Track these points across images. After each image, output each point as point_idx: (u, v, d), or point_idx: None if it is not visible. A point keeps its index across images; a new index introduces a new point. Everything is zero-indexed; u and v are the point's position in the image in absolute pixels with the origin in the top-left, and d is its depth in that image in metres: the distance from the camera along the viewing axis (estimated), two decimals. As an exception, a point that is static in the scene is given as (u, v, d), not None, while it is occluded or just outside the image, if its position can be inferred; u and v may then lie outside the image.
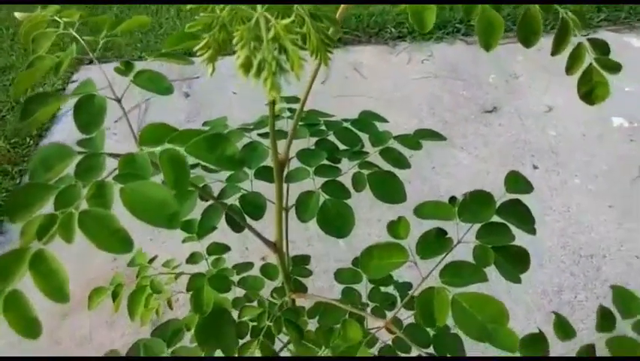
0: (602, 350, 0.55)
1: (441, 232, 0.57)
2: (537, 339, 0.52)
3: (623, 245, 1.91)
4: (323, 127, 0.90)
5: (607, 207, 2.01)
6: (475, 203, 0.57)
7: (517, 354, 0.50)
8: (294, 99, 0.88)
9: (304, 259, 0.87)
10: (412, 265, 0.55)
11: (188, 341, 0.71)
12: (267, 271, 0.81)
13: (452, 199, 0.58)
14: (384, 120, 0.91)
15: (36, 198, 0.39)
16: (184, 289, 0.70)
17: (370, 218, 1.84)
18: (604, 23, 2.80)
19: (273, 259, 0.72)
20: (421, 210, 0.58)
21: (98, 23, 0.59)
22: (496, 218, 0.56)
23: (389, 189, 0.76)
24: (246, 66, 0.32)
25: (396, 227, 0.60)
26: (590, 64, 0.45)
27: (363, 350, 0.51)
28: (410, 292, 0.55)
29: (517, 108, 2.44)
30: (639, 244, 1.90)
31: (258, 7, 0.32)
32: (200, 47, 0.35)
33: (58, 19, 0.59)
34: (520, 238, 0.61)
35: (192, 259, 0.72)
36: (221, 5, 0.34)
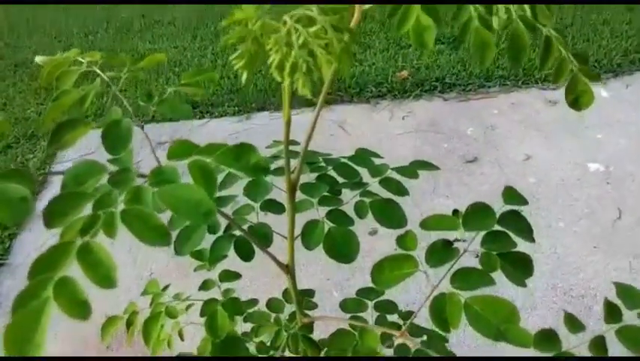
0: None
1: (447, 243, 0.60)
2: (549, 336, 0.54)
3: (610, 285, 1.94)
4: (322, 163, 0.95)
5: (592, 248, 2.06)
6: (476, 214, 0.60)
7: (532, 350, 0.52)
8: (293, 142, 0.93)
9: (309, 293, 0.88)
10: (418, 276, 0.58)
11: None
12: (273, 305, 0.82)
13: (455, 212, 0.62)
14: (379, 156, 0.96)
15: (73, 205, 0.42)
16: (195, 320, 0.71)
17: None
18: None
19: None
20: (427, 224, 0.61)
21: (119, 62, 0.63)
22: (497, 227, 0.60)
23: (391, 215, 0.79)
24: (280, 68, 0.37)
25: (404, 240, 0.63)
26: (574, 74, 0.50)
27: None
28: (421, 305, 0.58)
29: (497, 158, 2.53)
30: (627, 283, 1.93)
31: (287, 18, 0.37)
32: (236, 57, 0.39)
33: (81, 60, 0.63)
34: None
35: (205, 286, 0.73)
36: (254, 20, 0.39)
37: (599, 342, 0.53)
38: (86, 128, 0.52)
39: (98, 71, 0.61)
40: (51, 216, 0.41)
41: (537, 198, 2.30)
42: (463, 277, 0.56)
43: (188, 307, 0.74)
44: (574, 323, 0.58)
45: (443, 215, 0.62)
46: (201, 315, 0.64)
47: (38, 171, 2.74)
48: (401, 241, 0.62)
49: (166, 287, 0.77)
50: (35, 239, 2.36)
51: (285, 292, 0.84)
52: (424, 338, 0.93)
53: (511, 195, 0.64)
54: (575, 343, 0.62)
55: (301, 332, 0.62)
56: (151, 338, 0.69)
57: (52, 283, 0.34)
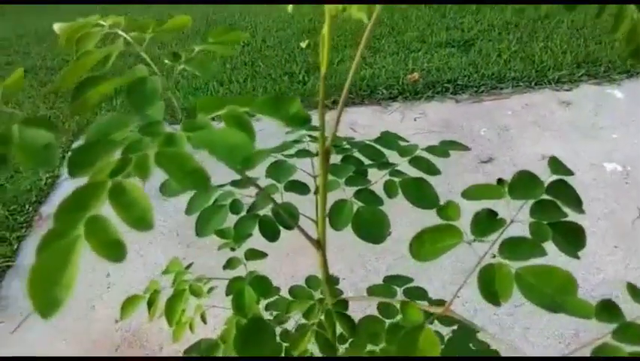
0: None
1: (492, 213, 0.56)
2: (610, 306, 0.50)
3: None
4: (347, 146, 0.91)
5: (612, 247, 2.01)
6: (523, 182, 0.56)
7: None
8: (314, 128, 0.90)
9: (333, 280, 0.84)
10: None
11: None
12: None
13: (499, 181, 0.58)
14: (405, 140, 0.93)
15: (100, 152, 0.38)
16: (217, 303, 0.67)
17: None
18: (585, 78, 2.94)
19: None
20: (470, 193, 0.57)
21: (142, 26, 0.60)
22: (545, 197, 0.56)
23: (422, 194, 0.76)
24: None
25: (445, 210, 0.59)
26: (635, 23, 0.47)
27: (428, 333, 0.48)
28: (468, 275, 0.54)
29: (512, 158, 2.49)
30: (650, 283, 1.88)
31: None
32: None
33: (103, 23, 0.60)
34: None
35: (230, 265, 0.69)
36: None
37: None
38: (110, 84, 0.49)
39: (122, 33, 0.58)
40: (76, 165, 0.38)
41: (554, 199, 2.25)
42: (513, 248, 0.52)
43: (210, 290, 0.71)
44: (637, 292, 0.54)
45: (487, 184, 0.58)
46: (227, 294, 0.60)
47: (47, 174, 2.72)
48: (442, 211, 0.59)
49: (189, 266, 0.74)
50: (44, 241, 2.34)
51: (308, 279, 0.79)
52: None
53: (556, 165, 0.60)
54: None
55: (335, 309, 0.58)
56: (174, 317, 0.65)
57: (83, 221, 0.30)
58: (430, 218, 0.64)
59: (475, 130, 2.68)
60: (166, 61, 0.57)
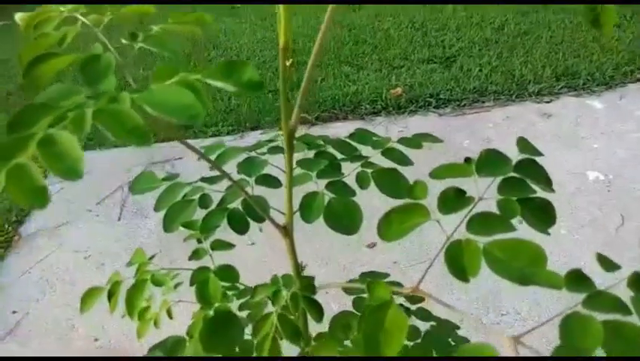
0: None
1: (459, 191, 0.55)
2: (580, 276, 0.49)
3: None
4: (320, 142, 0.91)
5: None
6: (490, 160, 0.56)
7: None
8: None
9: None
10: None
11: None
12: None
13: (467, 159, 0.57)
14: (377, 136, 0.92)
15: (41, 115, 0.37)
16: (185, 298, 0.65)
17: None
18: (564, 90, 2.98)
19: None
20: (437, 173, 0.56)
21: (100, 9, 0.59)
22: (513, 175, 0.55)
23: (394, 185, 0.75)
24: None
25: (413, 190, 0.58)
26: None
27: (394, 310, 0.47)
28: (437, 253, 0.52)
29: (495, 169, 2.50)
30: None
31: None
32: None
33: (62, 9, 0.59)
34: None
35: (196, 255, 0.67)
36: None
37: (636, 279, 0.48)
38: (65, 60, 0.48)
39: (80, 16, 0.57)
40: (15, 124, 0.36)
41: (538, 208, 2.25)
42: (481, 223, 0.51)
43: (177, 285, 0.68)
44: (607, 263, 0.53)
45: (455, 163, 0.57)
46: (191, 284, 0.58)
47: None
48: (410, 191, 0.57)
49: (152, 257, 0.71)
50: (21, 263, 2.29)
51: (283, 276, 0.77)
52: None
53: (524, 144, 0.59)
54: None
55: (302, 292, 0.56)
56: (135, 309, 0.63)
57: (4, 171, 0.28)
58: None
59: (458, 142, 2.69)
60: (123, 40, 0.56)
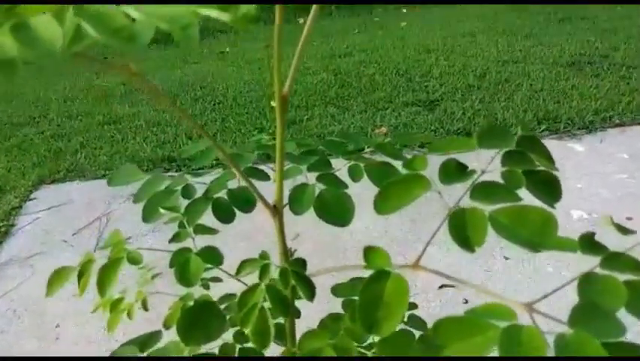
0: None
1: (460, 165, 0.52)
2: (593, 240, 0.46)
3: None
4: (311, 141, 0.89)
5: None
6: (492, 133, 0.54)
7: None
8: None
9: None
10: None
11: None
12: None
13: (467, 135, 0.55)
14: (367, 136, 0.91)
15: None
16: (162, 289, 0.60)
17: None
18: (546, 133, 3.03)
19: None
20: (435, 146, 0.54)
21: None
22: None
23: (387, 177, 0.72)
24: None
25: (412, 163, 0.55)
26: None
27: (394, 280, 0.43)
28: (440, 224, 0.49)
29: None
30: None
31: None
32: None
33: None
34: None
35: (178, 237, 0.62)
36: None
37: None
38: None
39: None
40: None
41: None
42: (485, 192, 0.48)
43: (154, 276, 0.63)
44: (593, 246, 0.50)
45: (454, 137, 0.55)
46: (171, 265, 0.53)
47: (2, 222, 2.58)
48: (409, 164, 0.55)
49: (129, 238, 0.66)
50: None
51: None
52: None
53: (525, 125, 0.58)
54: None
55: (292, 267, 0.52)
56: (106, 289, 0.57)
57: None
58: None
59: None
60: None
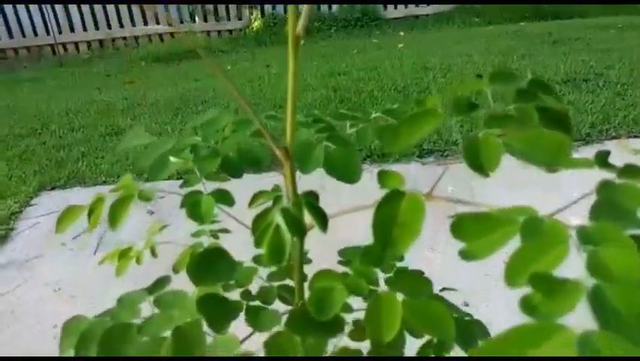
0: None
1: (471, 101, 0.54)
2: (608, 160, 0.47)
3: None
4: (318, 113, 0.90)
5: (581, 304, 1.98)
6: (502, 75, 0.55)
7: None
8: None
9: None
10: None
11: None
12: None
13: (478, 76, 0.57)
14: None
15: None
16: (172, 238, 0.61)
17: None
18: (544, 144, 3.06)
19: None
20: (449, 89, 0.55)
21: None
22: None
23: (397, 138, 0.74)
24: None
25: (424, 101, 0.57)
26: None
27: (409, 200, 0.44)
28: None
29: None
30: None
31: None
32: None
33: None
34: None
35: (188, 183, 0.63)
36: None
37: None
38: None
39: None
40: None
41: (524, 250, 2.24)
42: (499, 121, 0.49)
43: (162, 227, 0.64)
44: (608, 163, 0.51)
45: (466, 80, 0.56)
46: (182, 206, 0.54)
47: (1, 226, 2.58)
48: (420, 103, 0.56)
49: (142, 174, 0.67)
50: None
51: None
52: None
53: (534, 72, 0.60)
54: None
55: (306, 199, 0.53)
56: (118, 222, 0.58)
57: None
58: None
59: (442, 188, 2.71)
60: None
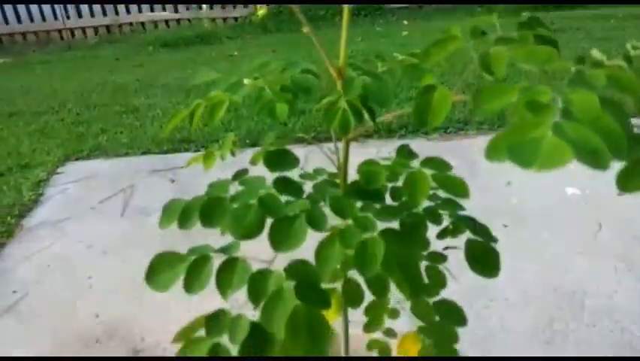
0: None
1: (483, 30, 0.70)
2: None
3: (599, 284, 2.00)
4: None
5: (577, 253, 2.15)
6: (506, 14, 0.72)
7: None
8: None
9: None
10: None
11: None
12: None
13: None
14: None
15: None
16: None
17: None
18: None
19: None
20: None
21: None
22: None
23: (418, 72, 0.90)
24: None
25: (448, 29, 0.72)
26: None
27: (440, 91, 0.61)
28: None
29: (481, 185, 2.68)
30: (612, 283, 2.00)
31: None
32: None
33: None
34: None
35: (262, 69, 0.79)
36: None
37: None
38: None
39: None
40: None
41: (520, 215, 2.41)
42: (505, 41, 0.65)
43: (235, 142, 0.82)
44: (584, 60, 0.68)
45: (473, 14, 0.73)
46: (258, 111, 0.71)
47: (31, 192, 2.74)
48: (446, 31, 0.72)
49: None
50: (23, 250, 2.32)
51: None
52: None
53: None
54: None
55: (359, 98, 0.70)
56: (215, 117, 0.74)
57: None
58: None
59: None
60: None
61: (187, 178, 2.84)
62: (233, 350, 0.57)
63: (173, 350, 1.80)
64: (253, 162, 0.78)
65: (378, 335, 0.88)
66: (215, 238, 0.70)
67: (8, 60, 6.99)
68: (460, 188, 0.67)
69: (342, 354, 0.92)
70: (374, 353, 0.89)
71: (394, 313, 0.89)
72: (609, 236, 2.26)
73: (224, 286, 0.59)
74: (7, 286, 2.10)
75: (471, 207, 0.91)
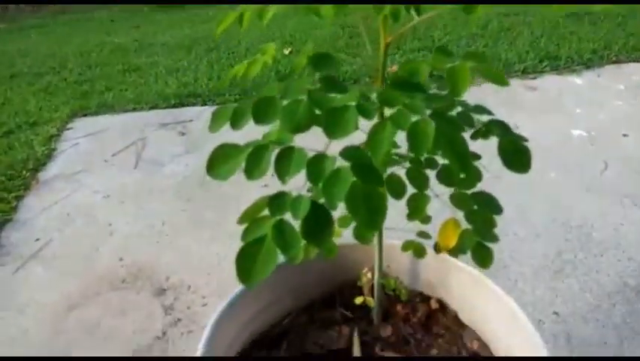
0: None
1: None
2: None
3: (605, 218, 2.07)
4: None
5: (584, 191, 2.21)
6: None
7: None
8: None
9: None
10: None
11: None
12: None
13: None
14: None
15: None
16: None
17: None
18: (547, 69, 3.25)
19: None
20: None
21: None
22: None
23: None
24: None
25: None
26: None
27: None
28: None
29: (488, 130, 2.71)
30: (619, 216, 2.06)
31: None
32: None
33: None
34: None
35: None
36: None
37: None
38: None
39: None
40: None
41: (529, 157, 2.46)
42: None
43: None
44: None
45: None
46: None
47: (43, 147, 2.77)
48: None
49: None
50: (41, 201, 2.37)
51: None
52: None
53: None
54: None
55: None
56: (250, 75, 0.79)
57: None
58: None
59: (453, 108, 2.91)
60: None
61: (196, 132, 2.87)
62: (296, 225, 0.61)
63: (198, 286, 1.89)
64: (296, 67, 0.81)
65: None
66: (229, 184, 0.74)
67: (2, 26, 6.89)
68: (499, 77, 0.71)
69: (377, 263, 0.97)
70: (409, 255, 0.94)
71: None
72: (615, 174, 2.31)
73: (282, 171, 0.63)
74: (30, 235, 2.15)
75: (475, 149, 0.95)
